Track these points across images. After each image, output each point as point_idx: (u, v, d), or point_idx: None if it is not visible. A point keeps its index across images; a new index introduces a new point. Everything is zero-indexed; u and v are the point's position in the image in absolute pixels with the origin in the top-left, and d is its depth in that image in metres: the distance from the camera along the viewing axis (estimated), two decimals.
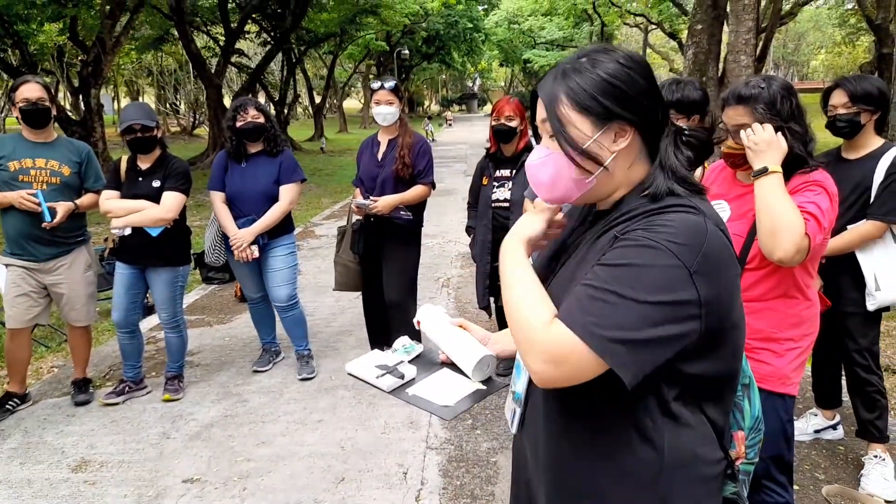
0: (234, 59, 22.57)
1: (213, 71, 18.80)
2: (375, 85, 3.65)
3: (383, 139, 3.78)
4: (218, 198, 3.93)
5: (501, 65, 49.43)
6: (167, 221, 3.63)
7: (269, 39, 23.53)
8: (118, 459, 3.21)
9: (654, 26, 28.80)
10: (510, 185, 3.73)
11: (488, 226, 3.79)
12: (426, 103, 65.57)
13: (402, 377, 1.49)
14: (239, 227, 3.85)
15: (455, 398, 1.40)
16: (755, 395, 1.25)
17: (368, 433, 3.43)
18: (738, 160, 2.06)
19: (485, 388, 1.44)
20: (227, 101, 20.38)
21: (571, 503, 1.22)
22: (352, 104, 56.35)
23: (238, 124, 3.85)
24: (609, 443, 1.12)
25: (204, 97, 23.49)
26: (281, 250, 4.04)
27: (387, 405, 3.73)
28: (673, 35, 25.71)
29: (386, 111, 3.64)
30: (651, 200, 1.13)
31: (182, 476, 3.05)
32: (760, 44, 13.54)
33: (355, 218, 3.86)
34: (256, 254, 3.88)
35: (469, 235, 4.08)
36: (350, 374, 1.59)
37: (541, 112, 1.19)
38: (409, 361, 1.56)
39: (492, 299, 3.93)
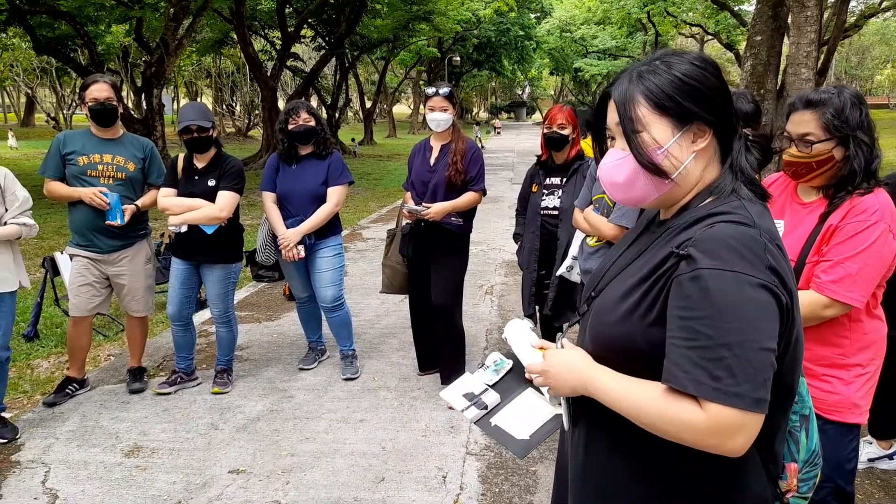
0: (289, 62, 23.09)
1: (268, 74, 19.26)
2: (430, 91, 3.70)
3: (436, 144, 3.82)
4: (269, 198, 4.04)
5: (551, 73, 49.17)
6: (221, 220, 3.75)
7: (323, 44, 24.00)
8: (168, 447, 3.32)
9: (710, 37, 28.24)
10: (560, 194, 3.72)
11: (536, 233, 3.79)
12: (475, 110, 65.73)
13: (485, 408, 1.52)
14: (287, 228, 3.94)
15: (532, 427, 1.43)
16: (814, 429, 1.22)
17: (409, 435, 3.46)
18: (802, 170, 1.98)
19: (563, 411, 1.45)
20: (281, 104, 20.85)
21: (598, 500, 1.24)
22: (401, 109, 56.95)
23: (290, 127, 3.95)
24: (654, 449, 1.13)
25: (259, 99, 24.09)
26: (328, 251, 4.11)
27: (428, 408, 3.76)
28: (730, 46, 25.15)
29: (440, 117, 3.68)
30: (715, 200, 1.14)
31: (228, 466, 3.14)
32: (822, 57, 13.12)
33: (405, 221, 3.91)
34: (302, 254, 3.96)
35: (516, 243, 4.08)
36: (443, 399, 1.64)
37: (612, 115, 1.20)
38: (498, 380, 1.58)
39: (537, 307, 3.92)
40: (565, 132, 3.64)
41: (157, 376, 4.20)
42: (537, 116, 61.16)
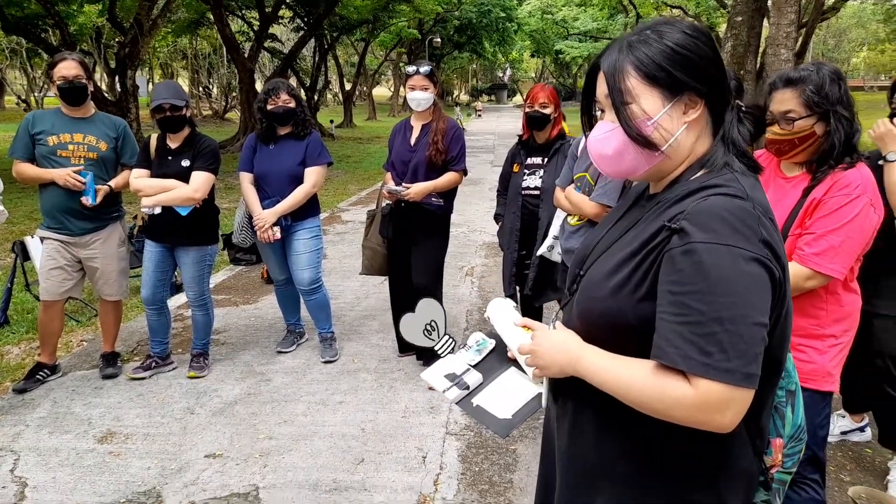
0: (267, 44, 22.76)
1: (246, 55, 18.93)
2: (410, 69, 3.62)
3: (416, 124, 3.75)
4: (246, 179, 3.96)
5: (532, 55, 48.93)
6: (196, 201, 3.67)
7: (302, 25, 23.63)
8: (143, 432, 3.26)
9: (691, 19, 28.25)
10: (541, 173, 3.69)
11: (517, 214, 3.76)
12: (456, 93, 65.37)
13: (466, 388, 1.49)
14: (264, 208, 3.87)
15: (515, 406, 1.41)
16: (799, 404, 1.21)
17: (389, 416, 3.44)
18: (785, 147, 2.00)
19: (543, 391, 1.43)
20: (259, 86, 20.53)
21: (585, 480, 1.21)
22: (381, 92, 56.46)
23: (269, 107, 3.87)
24: (641, 427, 1.10)
25: (236, 81, 23.72)
26: (304, 233, 4.05)
27: (407, 389, 3.74)
28: (710, 28, 25.20)
29: (420, 96, 3.61)
30: (707, 173, 1.11)
31: (205, 451, 3.09)
32: (800, 38, 13.19)
33: (385, 202, 3.85)
34: (278, 235, 3.89)
35: (497, 223, 4.05)
36: (425, 382, 1.61)
37: (602, 87, 1.17)
38: (481, 360, 1.55)
39: (517, 288, 3.89)
40: (547, 111, 3.60)
41: (132, 361, 4.13)
42: (518, 99, 60.93)
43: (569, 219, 3.16)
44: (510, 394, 1.43)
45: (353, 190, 12.08)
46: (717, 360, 0.95)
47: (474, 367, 1.52)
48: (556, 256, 3.41)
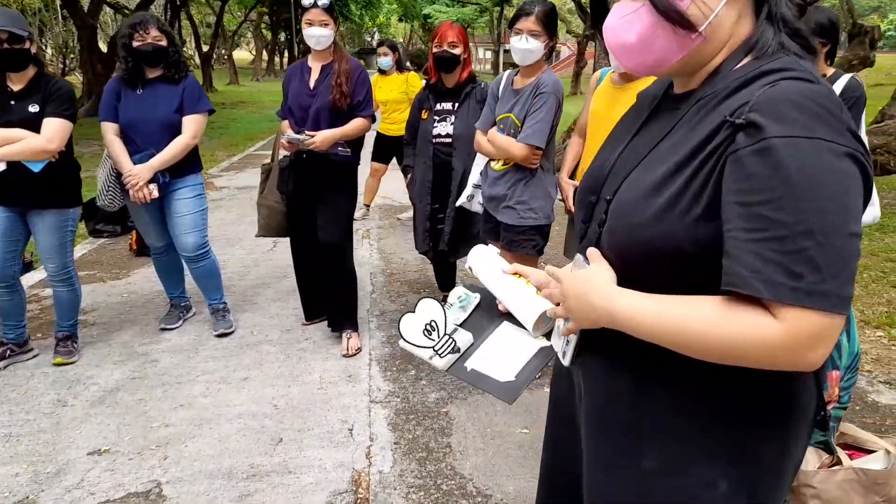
0: None
1: (85, 11, 16.87)
2: (307, 2, 3.20)
3: (315, 66, 3.34)
4: (110, 129, 3.36)
5: (400, 20, 48.10)
6: (51, 153, 3.06)
7: None
8: (4, 433, 2.71)
9: None
10: (452, 119, 3.45)
11: (429, 163, 3.51)
12: None
13: (457, 351, 1.24)
14: (135, 164, 3.32)
15: (517, 366, 1.19)
16: (854, 330, 1.07)
17: (303, 389, 3.11)
18: None
19: (549, 343, 1.19)
20: (102, 46, 18.44)
21: (627, 442, 1.01)
22: (243, 55, 53.25)
23: (135, 44, 3.29)
24: (689, 373, 0.91)
25: (74, 40, 21.20)
26: (187, 192, 3.55)
27: (319, 359, 3.42)
28: None
29: (319, 33, 3.20)
30: (755, 60, 0.90)
31: (87, 448, 2.61)
32: None
33: (282, 153, 3.43)
34: (156, 193, 3.37)
35: (406, 175, 3.77)
36: (404, 348, 1.35)
37: None
38: (467, 318, 1.29)
39: (431, 244, 3.65)
40: (456, 51, 3.34)
41: None
42: None
43: (492, 164, 2.96)
44: (508, 352, 1.21)
45: (222, 156, 11.22)
46: (811, 282, 0.76)
47: (461, 325, 1.28)
48: (477, 206, 3.21)
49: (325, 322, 3.76)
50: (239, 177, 9.04)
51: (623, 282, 0.94)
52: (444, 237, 3.51)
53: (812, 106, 0.79)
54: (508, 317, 1.26)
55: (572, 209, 2.90)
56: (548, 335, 1.20)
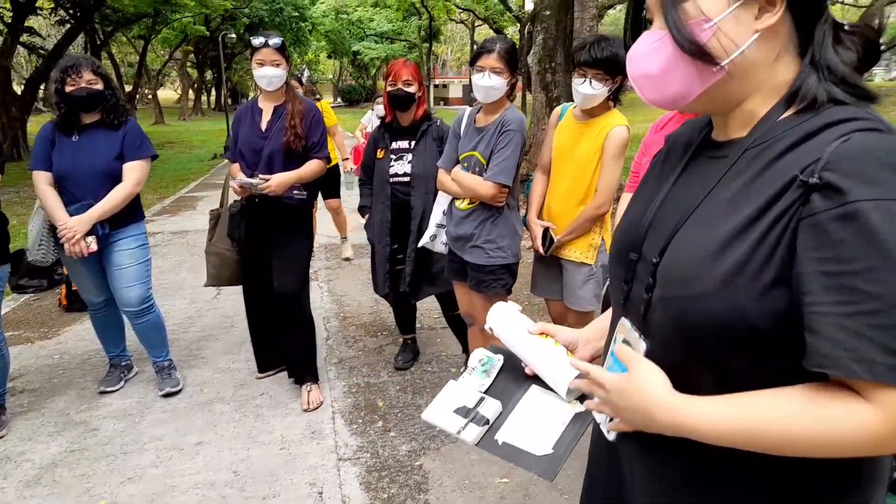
0: (24, 38, 19.52)
1: None
2: (257, 41, 3.07)
3: (266, 106, 3.20)
4: (43, 179, 3.11)
5: (329, 56, 48.12)
6: None
7: (67, 18, 20.68)
8: None
9: (480, 22, 29.70)
10: (410, 158, 3.36)
11: (386, 203, 3.40)
12: (251, 94, 62.33)
13: (486, 423, 1.12)
14: (71, 215, 3.08)
15: (553, 436, 1.08)
16: None
17: (264, 451, 2.90)
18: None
19: (583, 407, 1.10)
20: (16, 87, 17.56)
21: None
22: (168, 94, 51.96)
23: (68, 89, 3.08)
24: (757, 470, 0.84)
25: None
26: (129, 242, 3.32)
27: (278, 415, 3.21)
28: (498, 31, 26.67)
29: (272, 73, 3.07)
30: (800, 113, 0.83)
31: None
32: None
33: (233, 198, 3.25)
34: (94, 247, 3.13)
35: (363, 216, 3.65)
36: (428, 424, 1.21)
37: None
38: (492, 383, 1.19)
39: (389, 285, 3.53)
40: (411, 89, 3.28)
41: None
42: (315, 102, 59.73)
43: (457, 203, 2.88)
44: (542, 420, 1.10)
45: (153, 200, 10.75)
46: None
47: (487, 392, 1.17)
48: (440, 246, 3.12)
49: (281, 374, 3.56)
50: (173, 220, 8.66)
51: (684, 369, 0.85)
52: (405, 278, 3.40)
53: (894, 162, 0.72)
54: (536, 379, 1.16)
55: (540, 249, 2.85)
56: (582, 398, 1.11)
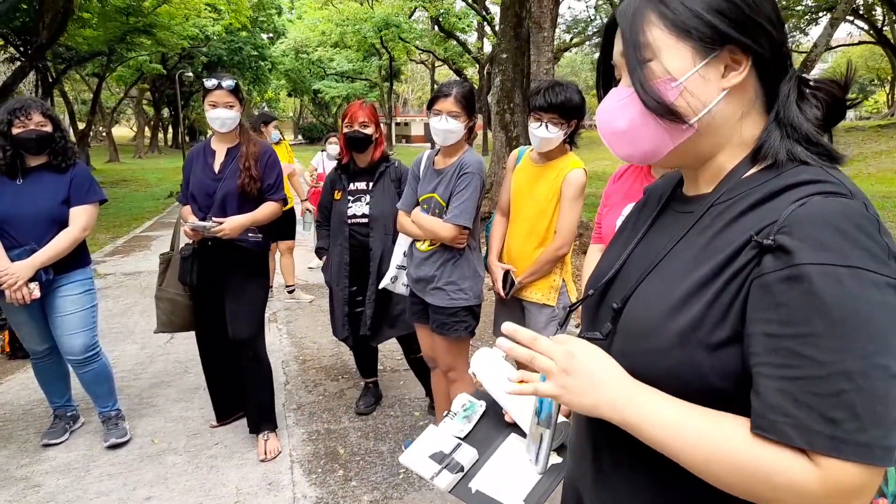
0: None
1: None
2: (210, 83, 3.04)
3: (219, 148, 3.16)
4: None
5: (290, 95, 48.26)
6: None
7: (18, 56, 20.29)
8: None
9: (440, 63, 30.25)
10: (368, 199, 3.35)
11: (345, 245, 3.37)
12: (209, 132, 61.83)
13: (461, 470, 1.10)
14: (13, 260, 2.97)
15: (526, 487, 1.05)
16: None
17: None
18: None
19: (560, 459, 1.09)
20: None
21: None
22: (123, 132, 51.16)
23: (15, 131, 3.00)
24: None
25: None
26: (74, 288, 3.20)
27: (233, 466, 3.09)
28: (458, 72, 27.20)
29: (225, 115, 3.04)
30: (765, 170, 0.84)
31: None
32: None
33: (185, 241, 3.18)
34: (37, 293, 3.01)
35: (320, 258, 3.60)
36: (405, 466, 1.20)
37: (618, 45, 0.89)
38: (471, 430, 1.17)
39: (349, 328, 3.47)
40: (368, 131, 3.29)
41: None
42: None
43: (417, 244, 2.87)
44: (516, 470, 1.08)
45: (105, 239, 10.49)
46: (849, 430, 0.68)
47: (464, 439, 1.15)
48: (401, 288, 3.10)
49: (237, 422, 3.44)
50: (126, 261, 8.44)
51: None
52: (366, 321, 3.35)
53: (848, 228, 0.72)
54: (516, 427, 1.15)
55: (501, 291, 2.85)
56: (559, 450, 1.09)
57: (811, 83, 0.89)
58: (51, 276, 3.09)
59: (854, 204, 0.75)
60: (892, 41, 25.67)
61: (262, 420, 3.25)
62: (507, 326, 0.92)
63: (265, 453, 3.15)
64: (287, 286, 6.27)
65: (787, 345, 0.71)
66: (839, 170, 0.83)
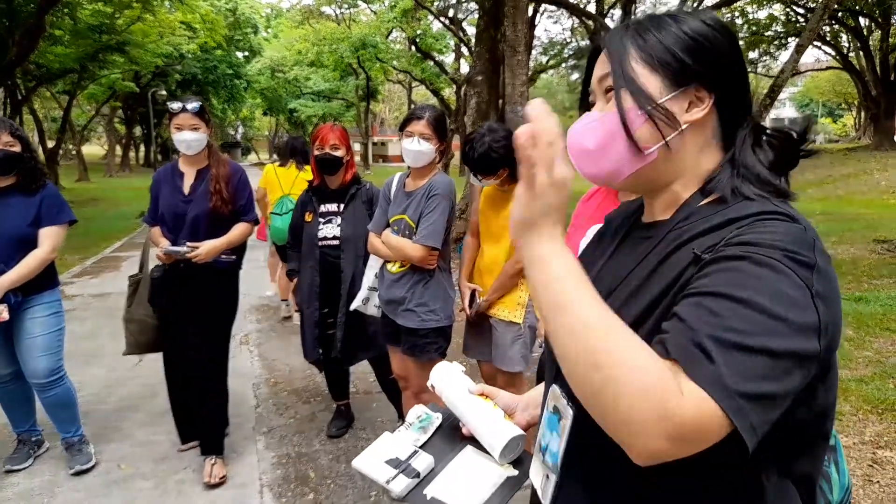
0: None
1: None
2: (175, 106, 3.05)
3: (188, 170, 3.16)
4: None
5: (265, 113, 48.21)
6: None
7: None
8: None
9: (417, 83, 30.48)
10: (339, 221, 3.37)
11: (315, 267, 3.37)
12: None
13: (417, 476, 1.12)
14: None
15: (481, 496, 1.07)
16: (843, 461, 1.02)
17: None
18: None
19: (516, 472, 1.11)
20: None
21: None
22: (93, 150, 50.49)
23: None
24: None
25: None
26: (41, 310, 3.16)
27: (200, 490, 3.05)
28: (436, 92, 27.42)
29: (190, 138, 3.04)
30: (714, 203, 0.89)
31: None
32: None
33: (154, 264, 3.16)
34: (5, 316, 2.98)
35: (291, 280, 3.60)
36: (358, 471, 1.18)
37: (598, 70, 0.95)
38: (427, 440, 1.19)
39: (320, 351, 3.46)
40: (339, 153, 3.31)
41: None
42: (253, 157, 59.39)
43: (388, 266, 2.90)
44: (472, 479, 1.11)
45: (74, 260, 10.28)
46: (720, 366, 0.69)
47: (421, 448, 1.17)
48: (373, 309, 3.11)
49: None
50: (94, 283, 8.30)
51: (608, 438, 0.78)
52: (337, 343, 3.35)
53: (784, 240, 0.76)
54: (472, 441, 1.17)
55: (468, 310, 2.89)
56: (515, 463, 1.12)
57: (769, 131, 0.95)
58: (19, 298, 3.05)
59: (794, 226, 0.80)
60: (857, 67, 26.51)
61: (210, 443, 3.22)
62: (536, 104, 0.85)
63: (210, 477, 3.11)
64: (283, 300, 6.25)
65: (698, 300, 0.75)
66: (788, 204, 0.88)
